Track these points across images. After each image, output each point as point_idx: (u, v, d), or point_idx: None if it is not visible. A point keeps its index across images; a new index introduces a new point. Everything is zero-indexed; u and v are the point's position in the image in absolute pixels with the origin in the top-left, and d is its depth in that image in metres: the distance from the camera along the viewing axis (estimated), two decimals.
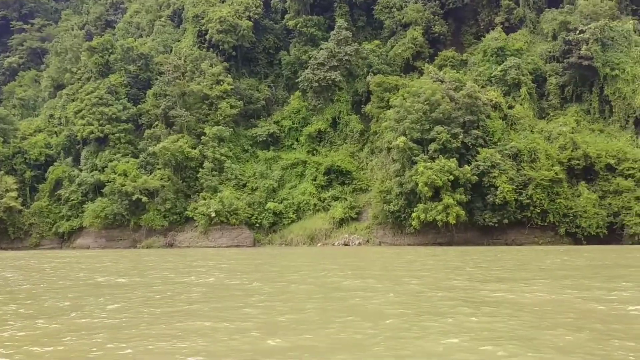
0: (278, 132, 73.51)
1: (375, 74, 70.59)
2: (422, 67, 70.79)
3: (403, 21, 75.27)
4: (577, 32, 62.10)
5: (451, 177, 52.37)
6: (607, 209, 52.47)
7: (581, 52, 60.25)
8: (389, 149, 61.26)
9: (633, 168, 53.12)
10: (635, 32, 62.92)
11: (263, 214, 65.72)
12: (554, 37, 67.06)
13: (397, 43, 74.97)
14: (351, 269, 25.58)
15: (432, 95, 56.54)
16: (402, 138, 55.70)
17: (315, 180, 67.06)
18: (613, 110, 60.50)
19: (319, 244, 61.36)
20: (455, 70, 66.90)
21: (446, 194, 52.25)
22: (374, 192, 60.68)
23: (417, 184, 53.21)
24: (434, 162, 53.55)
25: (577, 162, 54.11)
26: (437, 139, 55.03)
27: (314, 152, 70.83)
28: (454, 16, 76.94)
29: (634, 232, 50.73)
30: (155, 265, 31.79)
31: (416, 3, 75.76)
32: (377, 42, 75.56)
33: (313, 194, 65.97)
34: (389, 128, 60.04)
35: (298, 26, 77.27)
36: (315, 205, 65.09)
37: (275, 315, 11.73)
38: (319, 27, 78.36)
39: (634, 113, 58.73)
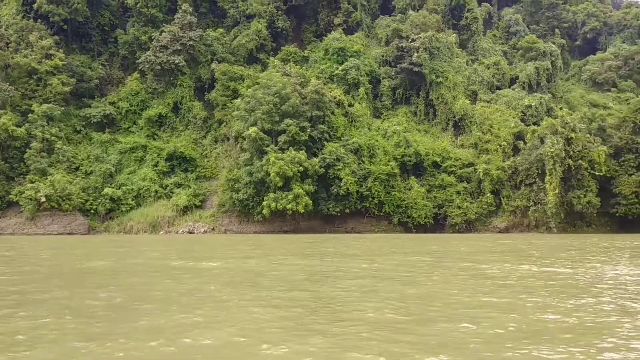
0: (114, 113, 69.69)
1: (219, 61, 70.51)
2: (266, 60, 72.55)
3: (247, 12, 76.14)
4: (409, 40, 68.50)
5: (301, 169, 54.85)
6: (433, 201, 59.18)
7: (412, 59, 66.63)
8: (236, 137, 61.94)
9: (454, 166, 60.59)
10: (455, 44, 71.23)
11: (99, 200, 62.05)
12: (387, 43, 73.11)
13: (240, 33, 75.55)
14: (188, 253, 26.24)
15: (283, 89, 58.45)
16: (254, 128, 56.79)
17: (156, 166, 65.05)
18: (436, 113, 67.97)
19: (162, 232, 59.93)
20: (298, 66, 69.58)
21: (296, 184, 54.62)
22: (222, 180, 60.91)
23: (268, 174, 54.76)
24: (284, 153, 55.55)
25: (409, 158, 60.11)
26: (287, 131, 57.08)
27: (155, 136, 68.59)
28: (295, 13, 79.72)
29: (455, 222, 58.01)
30: None
31: None
32: (221, 30, 75.34)
33: (154, 180, 63.96)
34: (238, 117, 60.57)
35: (138, 5, 73.85)
36: (156, 192, 63.17)
37: None
38: (160, 8, 75.66)
39: (454, 117, 66.68)
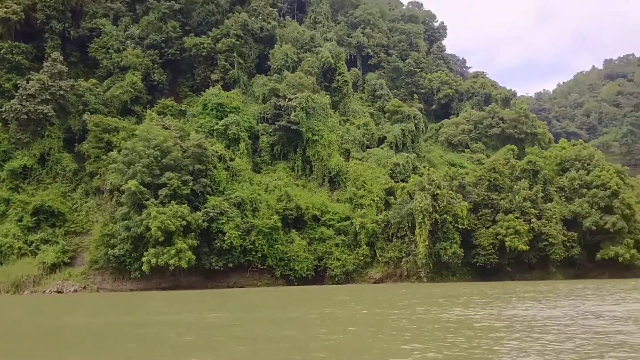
0: None
1: (92, 112, 68.20)
2: (141, 112, 71.49)
3: (122, 64, 74.76)
4: (287, 99, 71.36)
5: (184, 223, 54.06)
6: (314, 253, 60.96)
7: (290, 117, 69.37)
8: (112, 191, 59.75)
9: (333, 219, 63.20)
10: (329, 105, 75.35)
11: None
12: (264, 100, 75.48)
13: (114, 84, 73.84)
14: None
15: (164, 142, 57.85)
16: (133, 181, 55.26)
17: (20, 220, 60.33)
18: (313, 169, 70.81)
19: (26, 292, 55.29)
20: (177, 120, 69.31)
21: (178, 239, 53.63)
22: (95, 235, 58.02)
23: (148, 228, 53.27)
24: (166, 207, 54.55)
25: (291, 212, 61.74)
26: (168, 185, 56.24)
27: (19, 189, 63.81)
28: (171, 67, 79.69)
29: (335, 273, 60.10)
30: None
31: (135, 48, 76.26)
32: (94, 80, 72.97)
33: (18, 236, 59.21)
34: (115, 170, 58.58)
35: (2, 51, 69.60)
36: (20, 248, 58.38)
37: None
38: (26, 55, 71.95)
39: (329, 173, 69.89)
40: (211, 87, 74.03)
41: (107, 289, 56.98)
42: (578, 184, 67.53)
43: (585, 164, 70.11)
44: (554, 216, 63.53)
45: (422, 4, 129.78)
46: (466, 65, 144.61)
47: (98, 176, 63.71)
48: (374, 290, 48.17)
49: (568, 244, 63.75)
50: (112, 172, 59.43)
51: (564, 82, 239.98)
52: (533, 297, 30.62)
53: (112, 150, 62.61)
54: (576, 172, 68.91)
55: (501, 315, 20.42)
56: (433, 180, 60.96)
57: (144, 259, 53.15)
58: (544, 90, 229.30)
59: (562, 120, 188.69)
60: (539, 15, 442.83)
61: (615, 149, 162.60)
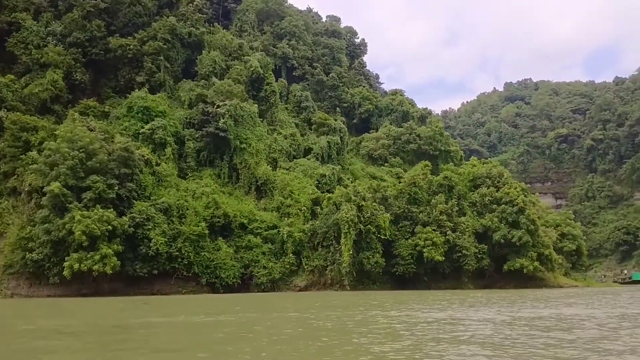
0: None
1: (8, 110, 65.03)
2: (61, 111, 69.00)
3: (42, 60, 71.73)
4: (215, 106, 71.37)
5: (109, 227, 52.82)
6: (240, 261, 61.31)
7: (219, 124, 69.43)
8: (30, 192, 57.31)
9: (260, 227, 63.88)
10: (256, 114, 76.03)
11: None
12: (190, 106, 75.03)
13: (33, 82, 70.67)
14: None
15: (90, 144, 56.31)
16: (56, 184, 53.32)
17: None
18: (240, 177, 71.14)
19: None
20: (101, 122, 67.46)
21: (103, 244, 52.32)
22: (11, 238, 55.37)
23: (71, 232, 51.59)
24: (91, 211, 53.08)
25: (218, 220, 61.80)
26: (93, 188, 54.75)
27: None
28: (94, 67, 77.21)
29: (261, 281, 60.75)
30: None
31: (57, 46, 73.48)
32: (11, 76, 69.50)
33: None
34: (35, 171, 56.23)
35: None
36: None
37: None
38: None
39: (256, 181, 70.51)
40: (137, 90, 72.59)
41: (22, 295, 54.47)
42: (489, 199, 72.22)
43: (495, 182, 75.13)
44: (467, 229, 67.65)
45: (339, 18, 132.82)
46: (379, 80, 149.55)
47: (15, 177, 60.77)
48: (279, 298, 49.24)
49: (479, 256, 68.03)
50: (32, 173, 57.03)
51: (467, 102, 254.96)
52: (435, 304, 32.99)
53: (30, 150, 60.12)
54: (487, 189, 73.65)
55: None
56: (359, 192, 63.25)
57: (65, 264, 51.32)
58: (450, 108, 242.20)
59: (465, 138, 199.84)
60: (446, 36, 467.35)
61: (513, 167, 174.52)
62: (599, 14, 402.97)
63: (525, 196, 72.69)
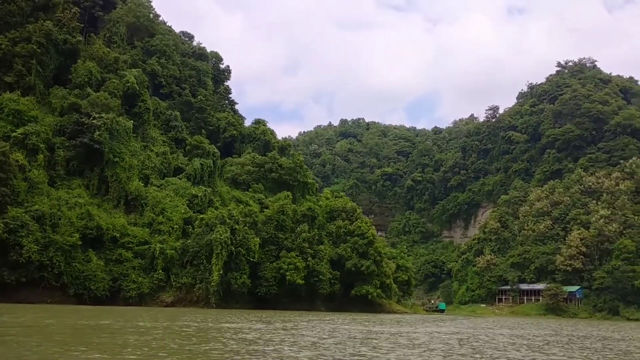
0: None
1: None
2: None
3: None
4: (91, 117, 71.16)
5: None
6: (110, 274, 61.97)
7: (94, 135, 69.36)
8: None
9: (132, 242, 65.09)
10: (131, 129, 76.77)
11: None
12: (62, 114, 73.78)
13: None
14: None
15: None
16: None
17: None
18: (109, 189, 71.34)
19: None
20: None
21: None
22: None
23: None
24: None
25: (91, 231, 62.00)
26: None
27: None
28: None
29: (129, 295, 61.93)
30: None
31: None
32: None
33: None
34: None
35: None
36: None
37: None
38: None
39: (127, 196, 71.32)
40: (8, 92, 69.88)
41: None
42: (343, 231, 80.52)
43: (349, 215, 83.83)
44: (325, 257, 74.99)
45: (193, 36, 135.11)
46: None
47: None
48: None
49: (332, 281, 75.53)
50: None
51: (305, 132, 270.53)
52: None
53: None
54: (342, 222, 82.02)
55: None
56: (233, 216, 67.45)
57: None
58: (289, 136, 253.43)
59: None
60: (288, 63, 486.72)
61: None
62: (422, 69, 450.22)
63: (375, 231, 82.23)
